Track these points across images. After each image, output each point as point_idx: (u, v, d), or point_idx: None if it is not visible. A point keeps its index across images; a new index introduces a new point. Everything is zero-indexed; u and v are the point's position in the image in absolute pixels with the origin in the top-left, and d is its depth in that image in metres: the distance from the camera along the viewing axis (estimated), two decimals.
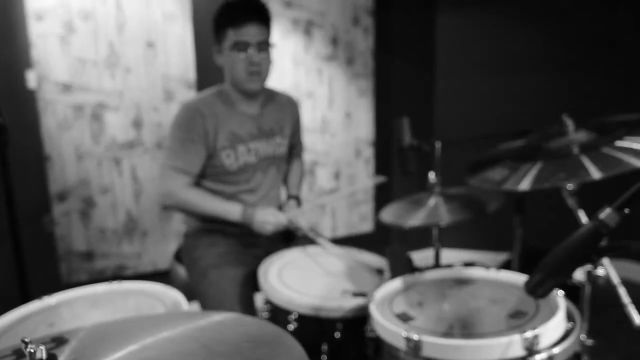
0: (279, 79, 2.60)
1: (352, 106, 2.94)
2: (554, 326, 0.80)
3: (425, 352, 0.79)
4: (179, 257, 1.70)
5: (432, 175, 1.46)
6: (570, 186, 0.99)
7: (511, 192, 2.10)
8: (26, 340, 0.48)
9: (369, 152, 3.04)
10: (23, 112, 2.18)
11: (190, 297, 1.37)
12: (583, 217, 0.98)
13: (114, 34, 2.25)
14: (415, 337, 0.79)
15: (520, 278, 1.02)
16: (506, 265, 2.78)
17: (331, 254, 1.52)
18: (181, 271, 1.65)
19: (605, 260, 1.00)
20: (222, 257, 1.50)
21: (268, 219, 1.49)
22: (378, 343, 1.09)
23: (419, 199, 1.42)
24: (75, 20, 2.17)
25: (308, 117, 2.79)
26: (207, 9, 2.43)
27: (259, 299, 1.40)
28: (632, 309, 0.99)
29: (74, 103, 2.23)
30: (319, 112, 2.84)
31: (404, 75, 3.13)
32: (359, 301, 1.14)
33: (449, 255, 2.86)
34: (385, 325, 0.88)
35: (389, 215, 1.33)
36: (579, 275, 1.01)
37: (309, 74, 2.77)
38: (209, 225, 1.61)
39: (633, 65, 2.82)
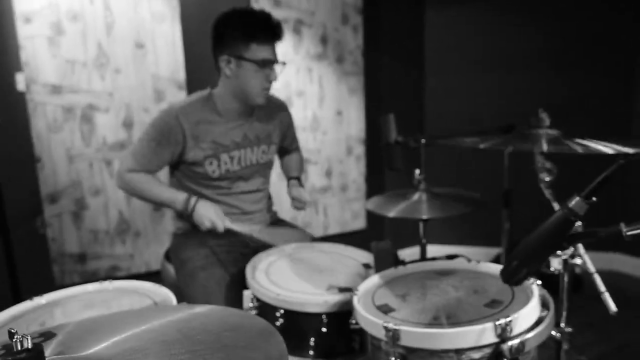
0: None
1: (342, 104, 2.96)
2: (527, 313, 0.83)
3: (404, 341, 0.82)
4: (168, 256, 1.71)
5: (417, 172, 1.49)
6: (545, 177, 1.02)
7: (498, 188, 2.12)
8: (13, 330, 0.50)
9: (360, 150, 3.06)
10: (13, 115, 2.19)
11: (180, 296, 1.39)
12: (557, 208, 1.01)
13: (102, 34, 2.26)
14: (393, 326, 0.82)
15: (499, 269, 1.05)
16: (497, 260, 2.82)
17: (319, 251, 1.55)
18: (171, 270, 1.67)
19: (582, 249, 1.03)
20: (209, 257, 1.52)
21: (207, 215, 1.51)
22: (363, 336, 1.12)
23: (404, 194, 1.45)
24: (63, 21, 2.18)
25: (299, 115, 2.81)
26: (195, 9, 2.45)
27: (247, 296, 1.42)
28: (608, 297, 1.02)
29: (63, 104, 2.24)
30: (310, 110, 2.86)
31: (394, 72, 3.16)
32: (344, 296, 1.17)
33: (439, 250, 2.90)
34: (366, 317, 0.90)
35: (373, 205, 1.36)
36: (557, 264, 1.04)
37: (299, 73, 2.79)
38: (196, 226, 1.64)
39: (624, 62, 2.86)
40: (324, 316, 1.16)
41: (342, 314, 1.15)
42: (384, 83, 3.13)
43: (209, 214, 1.52)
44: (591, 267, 1.03)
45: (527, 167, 1.20)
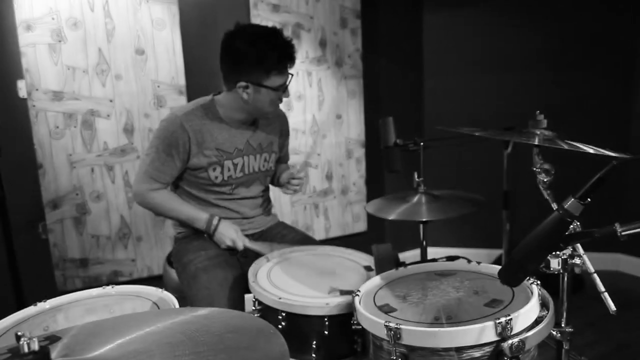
0: None
1: (342, 107, 2.98)
2: (526, 312, 0.84)
3: (405, 340, 0.83)
4: (170, 261, 1.72)
5: (416, 175, 1.50)
6: (543, 177, 1.03)
7: (496, 190, 2.13)
8: (19, 333, 0.51)
9: (360, 153, 3.08)
10: (15, 121, 2.20)
11: (182, 300, 1.40)
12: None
13: (103, 41, 2.28)
14: (394, 325, 0.83)
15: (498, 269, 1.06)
16: (499, 261, 2.83)
17: (320, 254, 1.55)
18: (173, 275, 1.67)
19: (581, 249, 1.04)
20: (211, 260, 1.53)
21: (228, 234, 1.57)
22: (364, 337, 1.13)
23: (404, 196, 1.46)
24: (64, 28, 2.20)
25: (299, 119, 2.82)
26: (195, 16, 2.47)
27: (249, 300, 1.43)
28: (607, 297, 1.03)
29: (65, 111, 2.25)
30: (310, 114, 2.88)
31: (393, 75, 3.17)
32: (345, 298, 1.18)
33: (441, 253, 2.91)
34: (368, 316, 0.91)
35: (373, 208, 1.37)
36: (556, 264, 1.05)
37: (299, 76, 2.80)
38: (198, 230, 1.65)
39: (622, 63, 2.87)
40: (326, 319, 1.16)
41: (344, 316, 1.16)
42: (383, 86, 3.15)
43: (229, 234, 1.57)
44: (590, 267, 1.04)
45: (526, 169, 1.21)
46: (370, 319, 0.91)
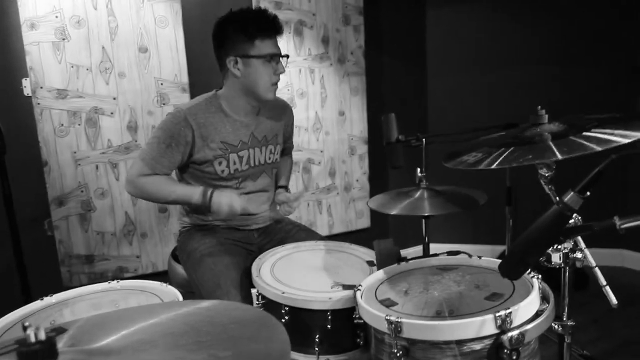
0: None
1: (345, 104, 2.98)
2: (526, 305, 0.85)
3: (406, 333, 0.83)
4: (175, 255, 1.74)
5: (419, 171, 1.51)
6: (544, 172, 1.03)
7: (500, 186, 2.13)
8: (26, 324, 0.52)
9: (363, 149, 3.08)
10: (20, 119, 2.22)
11: (187, 296, 1.41)
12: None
13: (106, 39, 2.29)
14: (395, 319, 0.83)
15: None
16: (502, 257, 2.83)
17: (323, 249, 1.56)
18: (179, 269, 1.69)
19: (582, 243, 1.04)
20: (215, 247, 1.55)
21: (223, 201, 1.52)
22: (366, 331, 1.13)
23: (406, 192, 1.47)
24: (68, 27, 2.21)
25: (302, 116, 2.83)
26: (197, 13, 2.48)
27: (252, 295, 1.44)
28: (609, 291, 1.03)
29: (69, 109, 2.27)
30: (312, 111, 2.88)
31: (396, 72, 3.17)
32: (348, 293, 1.19)
33: (444, 249, 2.92)
34: (369, 310, 0.92)
35: (376, 203, 1.38)
36: (557, 258, 1.05)
37: (301, 73, 2.81)
38: (202, 222, 1.66)
39: (625, 60, 2.86)
40: (328, 313, 1.17)
41: (347, 311, 1.17)
42: (386, 83, 3.15)
43: (226, 199, 1.52)
44: (592, 261, 1.04)
45: (529, 165, 1.21)
46: (372, 313, 0.92)
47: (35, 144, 2.24)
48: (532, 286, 0.93)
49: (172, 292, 1.20)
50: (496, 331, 0.80)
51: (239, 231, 1.69)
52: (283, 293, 1.21)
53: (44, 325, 1.08)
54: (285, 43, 2.72)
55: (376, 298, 1.03)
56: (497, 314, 0.80)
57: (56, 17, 2.19)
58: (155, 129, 1.60)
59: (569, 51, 2.93)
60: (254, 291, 1.33)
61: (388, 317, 0.85)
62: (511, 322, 0.81)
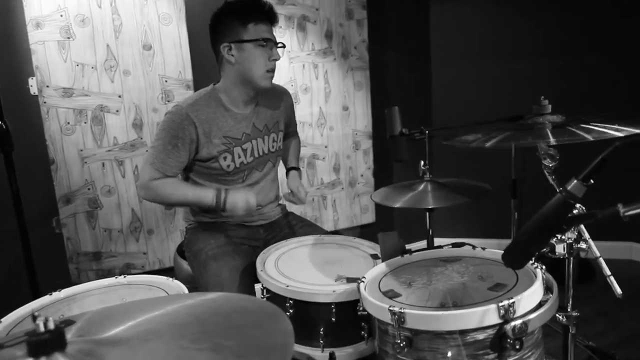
0: (275, 75, 2.64)
1: (349, 99, 2.98)
2: (530, 295, 0.85)
3: (409, 323, 0.84)
4: (181, 251, 1.75)
5: (422, 163, 1.50)
6: (548, 163, 1.03)
7: (505, 179, 2.12)
8: (36, 314, 0.53)
9: (367, 144, 3.08)
10: (27, 118, 2.24)
11: (193, 290, 1.43)
12: None
13: (111, 38, 2.30)
14: (398, 310, 0.84)
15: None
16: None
17: (327, 243, 1.57)
18: (184, 265, 1.71)
19: (586, 233, 1.04)
20: (221, 248, 1.55)
21: (238, 200, 1.52)
22: (370, 323, 1.14)
23: (410, 185, 1.47)
24: (72, 25, 2.23)
25: (306, 111, 2.83)
26: (200, 10, 2.48)
27: (257, 290, 1.45)
28: (613, 281, 1.03)
29: (75, 107, 2.29)
30: (316, 106, 2.88)
31: (400, 66, 3.16)
32: (352, 286, 1.19)
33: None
34: (372, 302, 0.92)
35: (379, 197, 1.38)
36: (561, 249, 1.05)
37: (305, 69, 2.81)
38: (209, 219, 1.67)
39: (627, 53, 2.84)
40: (332, 305, 1.18)
41: (351, 303, 1.18)
42: (390, 77, 3.14)
43: (240, 198, 1.52)
44: (596, 252, 1.04)
45: (534, 157, 1.21)
46: (375, 304, 0.92)
47: (42, 142, 2.26)
48: (536, 276, 0.93)
49: (178, 287, 1.21)
50: (499, 321, 0.81)
51: (245, 227, 1.70)
52: (287, 286, 1.22)
53: (53, 318, 1.10)
54: (288, 38, 2.72)
55: (380, 290, 1.04)
56: (500, 304, 0.80)
57: (61, 16, 2.20)
58: (158, 131, 1.59)
59: (573, 45, 2.91)
60: (258, 285, 1.34)
61: (391, 308, 0.85)
62: (514, 311, 0.81)
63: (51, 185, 2.30)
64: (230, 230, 1.65)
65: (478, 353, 0.82)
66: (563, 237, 1.02)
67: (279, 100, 1.76)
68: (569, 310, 1.08)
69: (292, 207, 1.97)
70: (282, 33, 2.70)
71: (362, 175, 3.10)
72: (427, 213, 1.53)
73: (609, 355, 1.55)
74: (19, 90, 2.21)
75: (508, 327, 0.80)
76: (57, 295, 1.23)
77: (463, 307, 0.82)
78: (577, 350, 1.11)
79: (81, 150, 2.33)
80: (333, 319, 1.18)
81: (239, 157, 1.62)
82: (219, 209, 1.55)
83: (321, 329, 1.19)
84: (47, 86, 2.22)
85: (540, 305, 0.87)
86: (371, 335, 1.18)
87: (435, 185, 1.42)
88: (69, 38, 2.23)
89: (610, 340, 2.14)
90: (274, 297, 1.27)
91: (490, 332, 0.82)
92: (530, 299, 0.85)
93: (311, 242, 1.58)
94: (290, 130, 1.90)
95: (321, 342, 1.20)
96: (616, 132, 0.81)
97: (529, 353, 0.87)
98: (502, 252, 0.95)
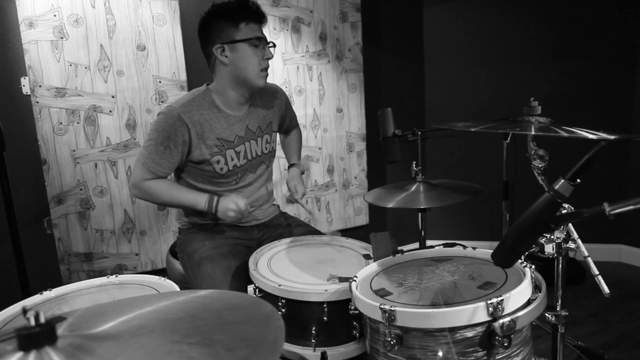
0: (269, 76, 2.64)
1: (343, 101, 2.99)
2: (517, 293, 0.86)
3: (399, 321, 0.85)
4: (174, 252, 1.75)
5: (414, 164, 1.52)
6: (537, 163, 1.05)
7: (497, 182, 2.14)
8: (26, 308, 0.53)
9: (361, 146, 3.09)
10: (19, 118, 2.23)
11: (185, 289, 1.42)
12: None
13: (104, 38, 2.30)
14: (389, 308, 0.85)
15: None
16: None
17: (320, 243, 1.58)
18: (177, 265, 1.70)
19: (575, 234, 1.06)
20: (215, 249, 1.55)
21: (229, 206, 1.53)
22: (362, 323, 1.15)
23: (402, 186, 1.48)
24: (66, 25, 2.22)
25: (300, 113, 2.84)
26: (195, 11, 2.49)
27: (250, 289, 1.46)
28: (601, 280, 1.05)
29: (68, 107, 2.28)
30: (311, 107, 2.89)
31: (393, 68, 3.19)
32: (344, 285, 1.20)
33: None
34: (364, 300, 0.93)
35: (372, 197, 1.39)
36: (551, 249, 1.06)
37: (299, 70, 2.82)
38: (202, 221, 1.67)
39: (618, 55, 2.88)
40: (325, 305, 1.18)
41: (343, 303, 1.18)
42: (384, 79, 3.16)
43: (231, 205, 1.53)
44: (584, 251, 1.06)
45: (525, 160, 1.23)
46: (366, 302, 0.93)
47: (34, 142, 2.25)
48: (525, 275, 0.94)
49: (170, 286, 1.21)
50: (488, 318, 0.82)
51: (238, 228, 1.70)
52: (280, 286, 1.22)
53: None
54: (283, 40, 2.73)
55: (371, 288, 1.04)
56: (489, 302, 0.81)
57: (54, 15, 2.20)
58: (150, 131, 1.58)
59: (565, 47, 2.95)
60: (250, 286, 1.34)
61: (382, 306, 0.86)
62: (503, 309, 0.82)
63: (43, 185, 2.29)
64: (224, 231, 1.65)
65: (467, 350, 0.83)
66: (552, 236, 1.04)
67: (272, 100, 1.76)
68: (558, 309, 1.09)
69: (286, 208, 1.97)
70: (276, 35, 2.71)
71: (355, 177, 3.11)
72: (420, 214, 1.54)
73: (598, 355, 1.57)
74: (11, 90, 2.20)
75: (497, 324, 0.81)
76: (47, 294, 1.23)
77: (452, 305, 0.83)
78: (566, 350, 1.12)
79: (73, 151, 2.32)
80: (325, 318, 1.19)
81: (232, 159, 1.62)
82: (210, 214, 1.56)
83: (313, 328, 1.20)
84: (40, 86, 2.21)
85: (528, 303, 0.88)
86: (363, 335, 1.19)
87: (428, 186, 1.43)
88: (62, 38, 2.22)
89: (600, 342, 2.17)
90: (267, 297, 1.27)
91: (480, 329, 0.83)
92: (519, 296, 0.86)
93: (304, 242, 1.59)
94: (290, 125, 1.90)
95: (313, 341, 1.20)
96: (592, 135, 0.84)
97: (518, 351, 0.88)
98: (492, 259, 0.96)
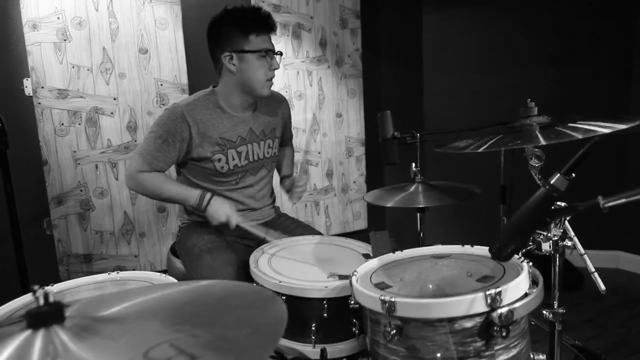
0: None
1: (342, 106, 3.02)
2: (515, 285, 0.87)
3: (399, 312, 0.86)
4: (174, 251, 1.76)
5: (413, 165, 1.54)
6: (534, 162, 1.06)
7: (493, 183, 2.16)
8: (35, 288, 0.54)
9: (360, 151, 3.12)
10: (21, 119, 2.25)
11: None
12: None
13: (107, 40, 2.33)
14: (389, 298, 0.86)
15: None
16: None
17: (320, 243, 1.59)
18: (178, 264, 1.71)
19: (571, 231, 1.07)
20: (214, 243, 1.56)
21: (222, 209, 1.54)
22: (362, 320, 1.15)
23: (402, 187, 1.50)
24: (69, 28, 2.25)
25: (300, 117, 2.87)
26: (197, 15, 2.52)
27: None
28: (597, 277, 1.06)
29: (69, 108, 2.30)
30: (310, 112, 2.92)
31: (392, 74, 3.22)
32: (344, 282, 1.21)
33: None
34: (364, 292, 0.94)
35: (372, 197, 1.40)
36: (547, 247, 1.08)
37: (299, 75, 2.85)
38: (202, 219, 1.68)
39: (610, 62, 2.92)
40: (325, 301, 1.19)
41: (343, 299, 1.19)
42: (383, 85, 3.19)
43: (224, 209, 1.54)
44: (581, 249, 1.07)
45: (523, 164, 1.24)
46: (366, 294, 0.94)
47: (36, 143, 2.26)
48: (522, 269, 0.96)
49: (171, 282, 1.22)
50: (487, 309, 0.83)
51: (238, 227, 1.71)
52: (280, 282, 1.23)
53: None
54: (283, 45, 2.77)
55: (371, 282, 1.06)
56: (488, 292, 0.82)
57: (58, 18, 2.23)
58: (152, 124, 1.60)
59: (561, 54, 2.99)
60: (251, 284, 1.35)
61: (382, 297, 0.88)
62: (501, 300, 0.83)
63: (43, 186, 2.30)
64: (225, 229, 1.66)
65: (466, 341, 0.84)
66: (549, 234, 1.05)
67: (276, 108, 1.79)
68: (555, 307, 1.10)
69: (286, 209, 1.99)
70: (277, 40, 2.74)
71: (354, 182, 3.13)
72: (418, 214, 1.56)
73: (596, 356, 1.58)
74: (14, 91, 2.22)
75: (495, 314, 0.82)
76: (49, 289, 1.23)
77: (452, 295, 0.84)
78: (564, 350, 1.13)
79: (74, 152, 2.34)
80: (325, 315, 1.20)
81: (233, 159, 1.64)
82: (200, 210, 1.57)
83: (313, 325, 1.21)
84: (42, 87, 2.23)
85: (526, 295, 0.90)
86: (362, 332, 1.20)
87: (426, 186, 1.45)
88: (65, 40, 2.25)
89: (598, 347, 2.17)
90: None
91: (478, 319, 0.84)
92: (517, 289, 0.87)
93: (304, 241, 1.60)
94: (285, 138, 1.92)
95: (313, 338, 1.21)
96: (601, 128, 0.85)
97: (515, 342, 0.89)
98: (489, 251, 0.97)
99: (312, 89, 2.90)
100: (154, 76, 2.44)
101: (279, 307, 0.60)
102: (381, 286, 1.00)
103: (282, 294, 1.23)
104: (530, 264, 1.01)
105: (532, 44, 3.01)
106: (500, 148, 0.90)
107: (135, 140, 2.43)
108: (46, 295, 0.52)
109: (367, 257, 1.42)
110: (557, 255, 1.07)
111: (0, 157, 1.67)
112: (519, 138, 0.94)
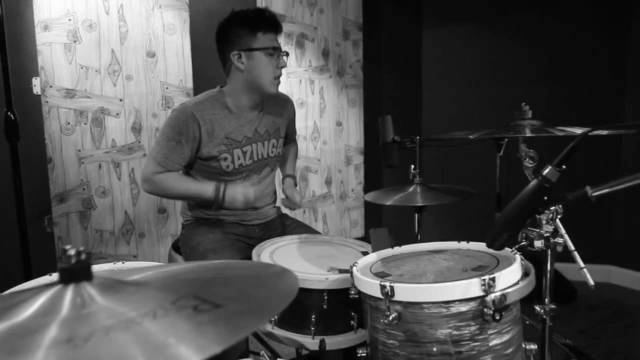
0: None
1: (342, 115, 3.09)
2: (508, 273, 0.92)
3: (398, 296, 0.90)
4: (176, 247, 1.79)
5: (412, 167, 1.59)
6: (528, 163, 1.12)
7: (489, 190, 2.22)
8: (66, 247, 0.59)
9: (359, 160, 3.18)
10: (28, 117, 2.29)
11: None
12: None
13: (116, 43, 2.39)
14: (389, 284, 0.91)
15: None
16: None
17: (320, 241, 1.63)
18: (179, 260, 1.74)
19: (562, 229, 1.13)
20: (219, 242, 1.59)
21: (236, 197, 1.59)
22: (361, 312, 1.19)
23: (401, 187, 1.55)
24: (80, 29, 2.31)
25: (300, 125, 2.93)
26: (204, 22, 2.59)
27: None
28: (586, 272, 1.11)
29: (76, 108, 2.35)
30: (311, 120, 2.98)
31: (392, 85, 3.30)
32: (343, 275, 1.25)
33: None
34: (364, 279, 0.99)
35: (372, 197, 1.45)
36: (539, 243, 1.13)
37: (302, 84, 2.92)
38: (205, 215, 1.72)
39: (601, 75, 3.01)
40: (325, 293, 1.23)
41: (342, 292, 1.23)
42: (383, 95, 3.27)
43: (238, 190, 1.59)
44: (571, 245, 1.12)
45: (518, 173, 1.30)
46: (366, 282, 0.98)
47: (41, 140, 2.30)
48: (514, 260, 1.01)
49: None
50: (481, 293, 0.87)
51: (241, 225, 1.75)
52: None
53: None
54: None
55: (371, 272, 1.10)
56: (482, 278, 0.87)
57: (69, 20, 2.29)
58: (162, 127, 1.65)
59: (556, 68, 3.08)
60: None
61: (382, 283, 0.92)
62: (495, 286, 0.88)
63: (46, 183, 2.33)
64: (227, 227, 1.70)
65: (461, 324, 0.89)
66: (541, 231, 1.10)
67: (282, 108, 1.84)
68: (546, 302, 1.15)
69: (286, 212, 2.03)
70: (278, 37, 2.82)
71: (352, 190, 3.18)
72: (416, 215, 1.61)
73: (586, 355, 1.61)
74: (22, 90, 2.27)
75: (489, 298, 0.87)
76: (56, 275, 1.26)
77: (449, 280, 0.89)
78: (555, 349, 1.17)
79: (79, 151, 2.38)
80: (325, 307, 1.23)
81: (238, 158, 1.69)
82: (218, 202, 1.61)
83: (313, 317, 1.24)
84: (51, 86, 2.28)
85: (518, 283, 0.94)
86: (361, 326, 1.24)
87: (424, 187, 1.50)
88: (75, 41, 2.31)
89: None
90: None
91: (473, 304, 0.89)
92: (510, 276, 0.92)
93: (304, 239, 1.64)
94: (289, 138, 1.97)
95: (312, 329, 1.24)
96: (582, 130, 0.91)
97: (508, 328, 0.93)
98: (484, 242, 1.02)
99: (313, 97, 2.97)
100: (160, 79, 2.50)
101: (290, 275, 0.65)
102: (381, 275, 1.04)
103: None
104: (521, 254, 1.06)
105: (528, 60, 3.11)
106: (493, 135, 0.96)
107: (140, 142, 2.48)
108: (78, 253, 0.57)
109: (366, 254, 1.46)
110: (549, 251, 1.12)
111: (11, 150, 1.71)
112: (509, 131, 1.01)
